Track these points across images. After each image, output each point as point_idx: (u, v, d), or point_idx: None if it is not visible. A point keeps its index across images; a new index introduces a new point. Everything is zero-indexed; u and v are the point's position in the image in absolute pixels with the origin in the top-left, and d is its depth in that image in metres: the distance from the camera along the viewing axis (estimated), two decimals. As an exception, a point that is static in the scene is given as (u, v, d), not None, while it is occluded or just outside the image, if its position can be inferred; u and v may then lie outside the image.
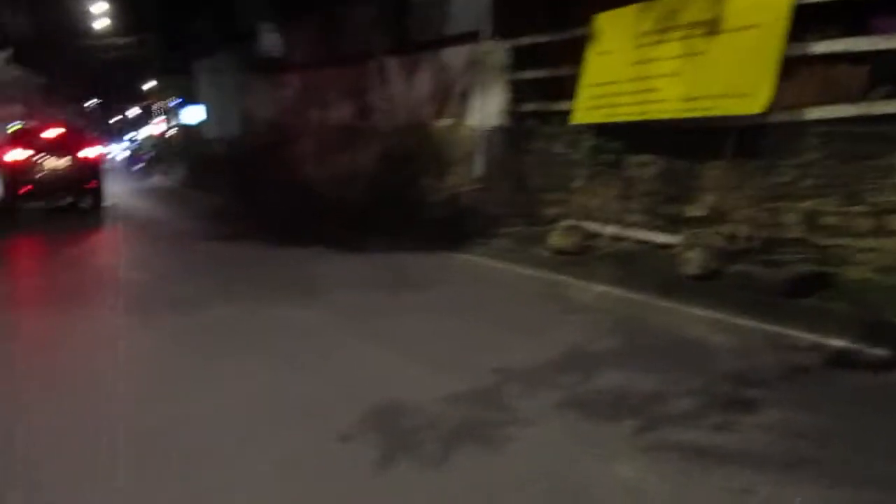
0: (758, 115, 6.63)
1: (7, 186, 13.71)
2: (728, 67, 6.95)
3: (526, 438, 3.71)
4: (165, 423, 4.04)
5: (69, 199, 14.66)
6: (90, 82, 52.87)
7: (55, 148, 14.17)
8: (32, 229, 13.37)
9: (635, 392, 4.31)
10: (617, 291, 6.83)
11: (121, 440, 3.81)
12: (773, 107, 6.55)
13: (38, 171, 13.80)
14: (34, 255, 10.95)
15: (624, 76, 8.16)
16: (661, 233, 8.01)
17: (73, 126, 16.39)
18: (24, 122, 17.87)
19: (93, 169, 14.73)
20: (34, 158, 13.81)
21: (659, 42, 7.79)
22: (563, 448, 3.60)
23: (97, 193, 14.83)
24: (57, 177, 13.96)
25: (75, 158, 14.27)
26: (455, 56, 11.94)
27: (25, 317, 6.53)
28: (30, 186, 13.63)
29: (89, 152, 14.73)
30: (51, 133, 14.67)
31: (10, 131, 16.24)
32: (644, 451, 3.52)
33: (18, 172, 13.59)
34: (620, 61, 8.24)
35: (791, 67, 6.58)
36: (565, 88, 9.31)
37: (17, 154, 13.77)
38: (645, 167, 8.35)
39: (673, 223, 7.95)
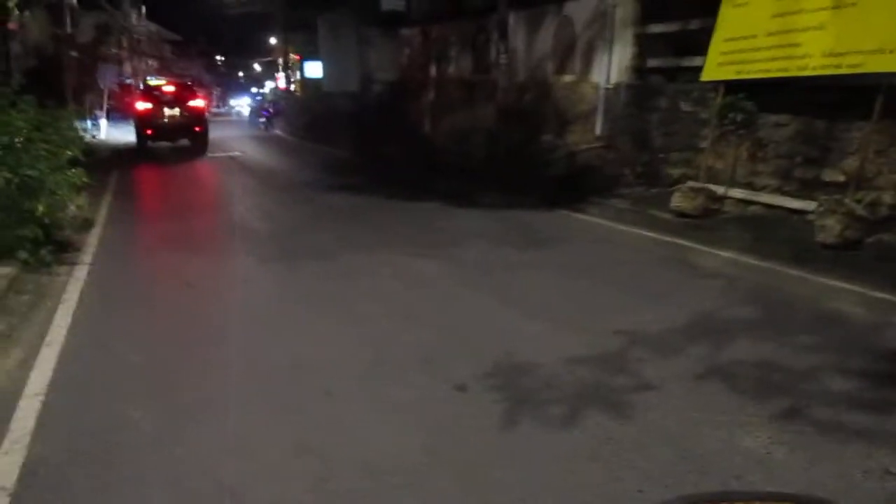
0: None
1: (137, 129, 17.97)
2: (883, 21, 6.41)
3: (650, 405, 3.62)
4: (295, 361, 4.25)
5: (184, 140, 18.57)
6: (218, 38, 55.10)
7: (171, 100, 18.11)
8: (162, 167, 15.79)
9: (768, 364, 4.12)
10: (745, 258, 6.55)
11: (255, 375, 4.05)
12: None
13: (159, 118, 17.81)
14: (168, 200, 11.61)
15: (762, 30, 7.69)
16: (795, 198, 7.59)
17: (185, 83, 20.34)
18: (156, 77, 22.09)
19: (199, 117, 18.59)
20: (156, 108, 17.86)
21: (803, -7, 7.29)
22: (689, 416, 3.49)
23: (203, 136, 18.68)
24: (172, 122, 17.96)
25: (185, 108, 18.15)
26: (579, 9, 11.63)
27: (182, 261, 6.89)
28: (152, 130, 17.87)
29: (196, 104, 18.66)
30: (168, 88, 18.92)
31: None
32: (776, 425, 3.38)
33: (145, 118, 17.80)
34: (758, 14, 7.77)
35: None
36: (695, 43, 8.91)
37: (144, 104, 17.97)
38: (780, 128, 7.90)
39: (808, 188, 7.52)
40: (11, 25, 13.31)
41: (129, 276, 6.45)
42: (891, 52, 6.26)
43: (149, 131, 17.82)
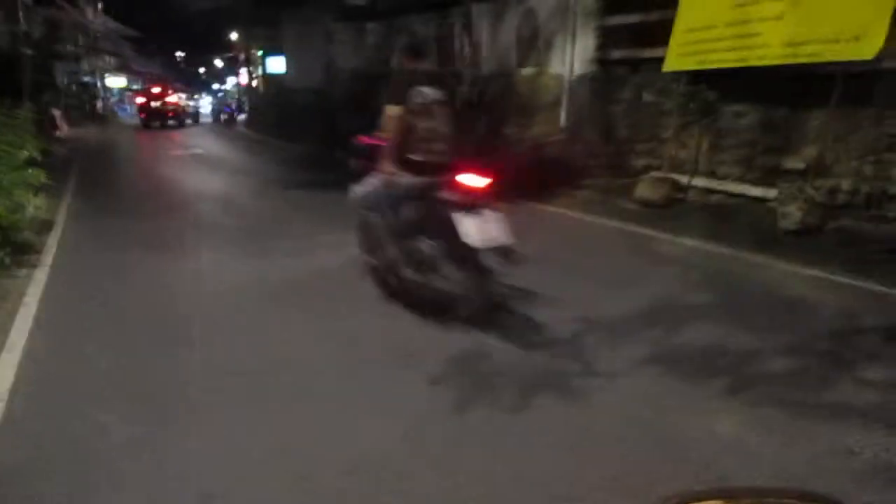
0: (869, 61, 6.25)
1: (139, 114, 31.62)
2: (838, 10, 6.55)
3: (613, 391, 3.65)
4: (271, 362, 4.20)
5: (168, 122, 30.33)
6: (178, 34, 54.16)
7: (156, 97, 30.62)
8: (119, 167, 15.33)
9: (729, 348, 4.19)
10: (708, 246, 6.65)
11: (228, 376, 3.98)
12: (886, 52, 6.16)
13: (149, 108, 30.29)
14: (127, 199, 11.40)
15: (722, 20, 7.80)
16: (757, 186, 7.73)
17: (164, 85, 32.53)
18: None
19: (174, 108, 31.13)
20: (146, 102, 30.62)
21: (762, -17, 7.40)
22: (655, 401, 3.52)
23: (179, 119, 31.33)
24: (157, 111, 30.29)
25: (164, 102, 30.54)
26: (542, 1, 11.66)
27: (143, 258, 6.72)
28: (145, 114, 30.41)
29: (171, 99, 31.15)
30: (154, 90, 31.36)
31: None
32: (743, 408, 3.43)
33: (141, 108, 31.21)
34: (718, 5, 7.87)
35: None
36: (657, 34, 8.99)
37: (140, 99, 32.21)
38: (741, 117, 8.03)
39: (769, 176, 7.65)
40: (-38, 22, 12.98)
41: (89, 277, 6.30)
42: (847, 41, 6.39)
43: (143, 115, 30.53)
